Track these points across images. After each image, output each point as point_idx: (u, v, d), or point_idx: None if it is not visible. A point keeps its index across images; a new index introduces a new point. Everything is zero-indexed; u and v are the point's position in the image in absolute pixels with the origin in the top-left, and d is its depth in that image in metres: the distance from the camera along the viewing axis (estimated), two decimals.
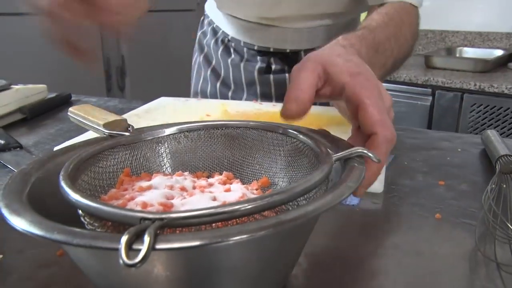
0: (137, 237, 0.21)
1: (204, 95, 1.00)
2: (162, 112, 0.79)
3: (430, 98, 1.81)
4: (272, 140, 0.40)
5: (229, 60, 0.96)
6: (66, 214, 0.28)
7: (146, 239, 0.21)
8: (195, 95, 1.03)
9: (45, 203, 0.30)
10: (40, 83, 0.97)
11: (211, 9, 1.00)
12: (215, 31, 0.99)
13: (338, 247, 0.41)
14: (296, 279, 0.37)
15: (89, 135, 0.59)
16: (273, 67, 0.92)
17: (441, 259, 0.39)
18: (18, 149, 0.68)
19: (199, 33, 1.05)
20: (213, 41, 0.99)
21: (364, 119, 0.37)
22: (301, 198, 0.28)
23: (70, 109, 0.85)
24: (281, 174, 0.40)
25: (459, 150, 0.65)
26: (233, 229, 0.22)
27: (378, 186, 0.51)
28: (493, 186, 0.47)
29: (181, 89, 1.15)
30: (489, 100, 1.70)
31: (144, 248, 0.20)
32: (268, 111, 0.81)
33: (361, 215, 0.47)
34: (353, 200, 0.49)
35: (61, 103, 0.97)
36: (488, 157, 0.61)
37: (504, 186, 0.49)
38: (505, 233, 0.40)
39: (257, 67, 0.93)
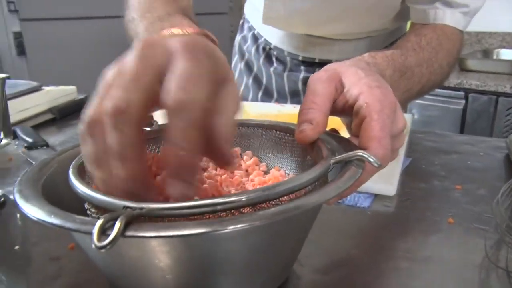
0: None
1: None
2: None
3: (463, 101, 1.76)
4: (284, 141, 0.41)
5: (272, 69, 0.94)
6: (76, 204, 0.30)
7: (117, 224, 0.22)
8: None
9: (59, 192, 0.32)
10: (71, 85, 1.01)
11: (251, 15, 0.97)
12: (256, 37, 0.96)
13: (345, 249, 0.41)
14: (298, 280, 0.37)
15: None
16: None
17: (450, 265, 0.38)
18: (44, 147, 0.71)
19: (238, 37, 1.02)
20: (254, 48, 0.96)
21: (363, 132, 0.36)
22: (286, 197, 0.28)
23: None
24: (291, 175, 0.40)
25: (481, 154, 0.63)
26: (205, 224, 0.23)
27: (390, 189, 0.50)
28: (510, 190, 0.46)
29: None
30: None
31: (113, 232, 0.22)
32: (289, 113, 0.81)
33: (372, 218, 0.47)
34: (364, 202, 0.49)
35: None
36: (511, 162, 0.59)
37: None
38: None
39: (301, 77, 0.90)
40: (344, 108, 0.39)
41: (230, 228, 0.23)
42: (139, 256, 0.28)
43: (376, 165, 0.32)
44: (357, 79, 0.39)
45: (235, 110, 0.29)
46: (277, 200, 0.28)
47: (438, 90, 1.80)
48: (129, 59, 0.27)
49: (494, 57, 2.12)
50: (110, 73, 0.28)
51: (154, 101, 0.27)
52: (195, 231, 0.23)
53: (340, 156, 0.33)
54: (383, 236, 0.44)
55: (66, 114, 0.92)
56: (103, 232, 0.23)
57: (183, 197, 0.26)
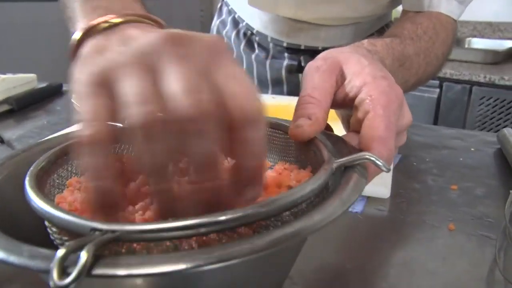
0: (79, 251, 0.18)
1: None
2: None
3: (437, 90, 1.75)
4: (279, 139, 0.36)
5: (253, 56, 0.88)
6: (32, 222, 0.25)
7: (82, 257, 0.18)
8: None
9: (10, 209, 0.27)
10: (30, 73, 0.93)
11: None
12: (236, 22, 0.90)
13: (337, 262, 0.37)
14: None
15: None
16: (304, 65, 0.84)
17: (455, 278, 0.35)
18: None
19: (216, 22, 0.95)
20: (234, 33, 0.90)
21: (366, 130, 0.32)
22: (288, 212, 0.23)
23: (74, 95, 0.81)
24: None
25: (472, 149, 0.61)
26: (187, 256, 0.18)
27: (384, 191, 0.46)
28: None
29: None
30: (499, 93, 1.64)
31: (76, 268, 0.17)
32: (281, 104, 0.76)
33: (365, 224, 0.43)
34: (356, 207, 0.45)
35: (51, 93, 0.92)
36: (504, 157, 0.56)
37: None
38: None
39: (284, 64, 0.85)
40: (344, 101, 0.35)
41: (226, 262, 0.18)
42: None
43: (385, 169, 0.28)
44: (360, 67, 0.34)
45: None
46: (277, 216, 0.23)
47: None
48: (172, 54, 0.23)
49: (466, 45, 2.13)
50: (141, 80, 0.22)
51: None
52: (184, 265, 0.18)
53: (343, 159, 0.28)
54: (378, 245, 0.39)
55: (25, 105, 0.84)
56: (64, 271, 0.18)
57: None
